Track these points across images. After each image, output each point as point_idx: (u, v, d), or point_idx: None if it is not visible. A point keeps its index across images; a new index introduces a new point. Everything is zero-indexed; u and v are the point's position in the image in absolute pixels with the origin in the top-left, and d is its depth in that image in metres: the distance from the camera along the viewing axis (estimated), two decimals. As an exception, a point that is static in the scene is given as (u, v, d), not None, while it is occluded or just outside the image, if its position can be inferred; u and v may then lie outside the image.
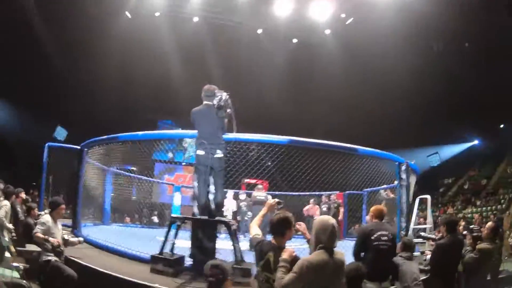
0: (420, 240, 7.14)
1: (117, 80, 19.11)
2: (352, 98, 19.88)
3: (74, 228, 7.49)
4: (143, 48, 19.06)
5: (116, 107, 19.62)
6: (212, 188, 5.07)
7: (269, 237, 3.28)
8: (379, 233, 4.26)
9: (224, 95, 5.05)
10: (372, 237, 4.24)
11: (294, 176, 7.86)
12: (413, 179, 7.43)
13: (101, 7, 17.32)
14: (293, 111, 20.83)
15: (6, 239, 5.89)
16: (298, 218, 5.22)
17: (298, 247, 3.69)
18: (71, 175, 8.23)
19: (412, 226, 7.11)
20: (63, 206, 5.03)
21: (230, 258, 4.87)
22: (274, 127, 15.44)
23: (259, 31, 20.29)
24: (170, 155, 17.48)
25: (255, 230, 3.44)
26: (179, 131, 10.99)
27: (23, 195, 7.18)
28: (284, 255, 3.00)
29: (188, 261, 5.27)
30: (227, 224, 5.15)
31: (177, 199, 11.23)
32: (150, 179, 13.39)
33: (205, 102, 5.21)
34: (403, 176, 6.67)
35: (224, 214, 8.04)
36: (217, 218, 5.16)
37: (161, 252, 5.09)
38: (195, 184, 5.28)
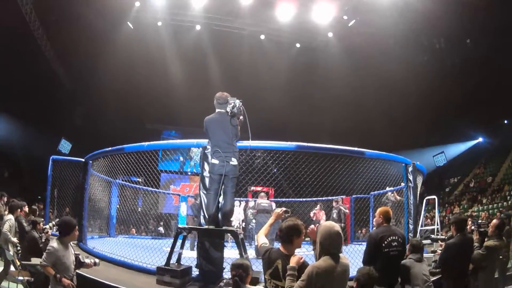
0: (428, 241, 7.04)
1: (121, 92, 19.23)
2: (356, 100, 19.87)
3: (80, 241, 7.44)
4: (146, 59, 19.16)
5: (120, 119, 19.72)
6: (221, 198, 5.04)
7: (277, 245, 3.25)
8: (389, 239, 4.16)
9: (238, 102, 5.01)
10: (383, 244, 4.14)
11: (301, 182, 7.80)
12: (419, 180, 7.36)
13: (103, 19, 17.49)
14: (297, 116, 20.83)
15: (11, 253, 5.89)
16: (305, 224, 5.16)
17: (305, 253, 3.63)
18: (76, 188, 8.20)
19: (419, 227, 7.01)
20: (76, 227, 4.36)
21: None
22: (278, 133, 15.42)
23: (262, 36, 20.35)
24: (181, 158, 17.55)
25: (262, 239, 3.43)
26: (184, 141, 10.95)
27: (26, 209, 7.17)
28: (292, 263, 3.02)
29: (195, 272, 5.20)
30: (234, 233, 5.09)
31: (183, 209, 11.21)
32: (155, 189, 13.33)
33: (217, 110, 5.14)
34: (410, 177, 6.61)
35: (233, 224, 7.98)
36: (224, 227, 5.11)
37: (167, 263, 5.02)
38: (203, 193, 5.23)
